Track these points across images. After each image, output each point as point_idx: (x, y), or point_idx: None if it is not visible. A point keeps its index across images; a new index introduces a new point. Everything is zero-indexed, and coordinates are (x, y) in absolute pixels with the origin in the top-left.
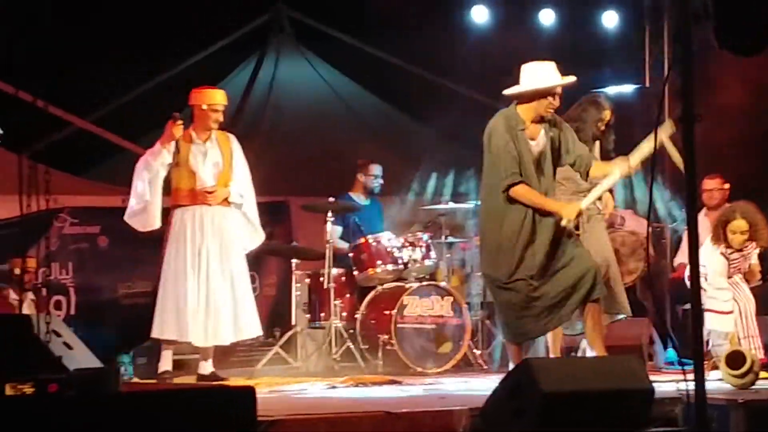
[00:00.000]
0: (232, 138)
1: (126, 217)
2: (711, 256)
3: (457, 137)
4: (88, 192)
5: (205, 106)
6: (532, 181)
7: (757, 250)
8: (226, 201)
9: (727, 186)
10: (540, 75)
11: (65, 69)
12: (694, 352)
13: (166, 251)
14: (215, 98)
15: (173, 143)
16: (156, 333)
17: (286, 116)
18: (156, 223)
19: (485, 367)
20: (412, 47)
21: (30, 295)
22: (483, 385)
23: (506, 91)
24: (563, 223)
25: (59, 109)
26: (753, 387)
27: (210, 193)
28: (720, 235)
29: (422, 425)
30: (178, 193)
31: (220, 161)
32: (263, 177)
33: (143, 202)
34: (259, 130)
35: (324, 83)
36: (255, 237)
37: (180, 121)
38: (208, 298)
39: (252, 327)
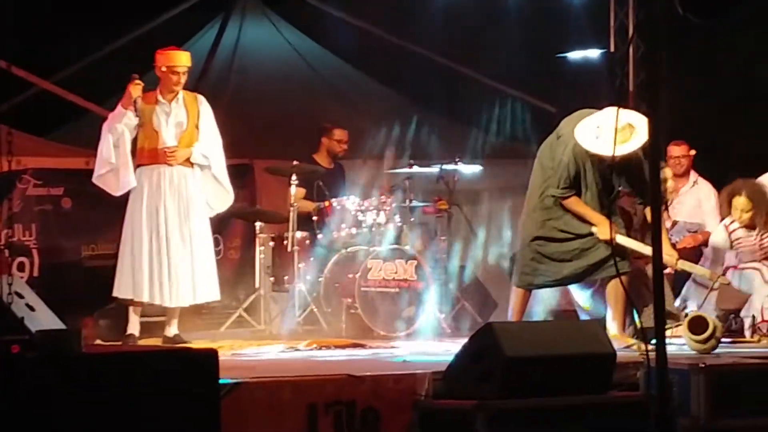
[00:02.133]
0: (201, 99)
1: (97, 181)
2: (714, 228)
3: (423, 101)
4: (51, 154)
5: (164, 68)
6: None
7: None
8: (188, 162)
9: (692, 152)
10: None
11: (28, 30)
12: (655, 317)
13: (129, 212)
14: (178, 60)
15: (139, 103)
16: (114, 292)
17: (251, 79)
18: (130, 184)
19: (448, 331)
20: (378, 10)
21: None
22: (446, 349)
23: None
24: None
25: (22, 70)
26: (714, 352)
27: (171, 152)
28: (725, 208)
29: (385, 388)
30: (140, 153)
31: (184, 121)
32: (227, 140)
33: (109, 166)
34: (223, 93)
35: (289, 46)
36: (224, 198)
37: (138, 82)
38: (168, 259)
39: (211, 291)
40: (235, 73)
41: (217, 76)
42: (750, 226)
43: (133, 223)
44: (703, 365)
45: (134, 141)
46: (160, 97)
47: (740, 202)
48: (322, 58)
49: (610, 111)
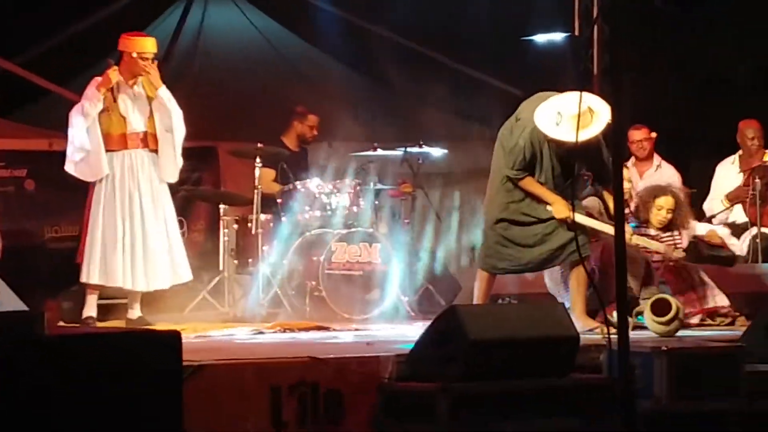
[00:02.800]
0: (161, 88)
1: (70, 169)
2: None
3: (390, 85)
4: (14, 135)
5: (135, 54)
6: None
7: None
8: (154, 145)
9: (654, 135)
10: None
11: None
12: (618, 301)
13: (93, 196)
14: (146, 46)
15: (113, 90)
16: (84, 278)
17: (216, 62)
18: (104, 170)
19: (412, 314)
20: None
21: None
22: (410, 332)
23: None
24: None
25: None
26: (677, 335)
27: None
28: (642, 208)
29: (349, 371)
30: (108, 139)
31: (148, 106)
32: (192, 122)
33: (84, 152)
34: (187, 76)
35: (254, 29)
36: (175, 171)
37: (116, 68)
38: (144, 242)
39: (185, 271)
40: (199, 56)
41: (181, 58)
42: (665, 227)
43: (105, 209)
44: (665, 348)
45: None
46: (122, 81)
47: (666, 200)
48: (286, 41)
49: (571, 95)
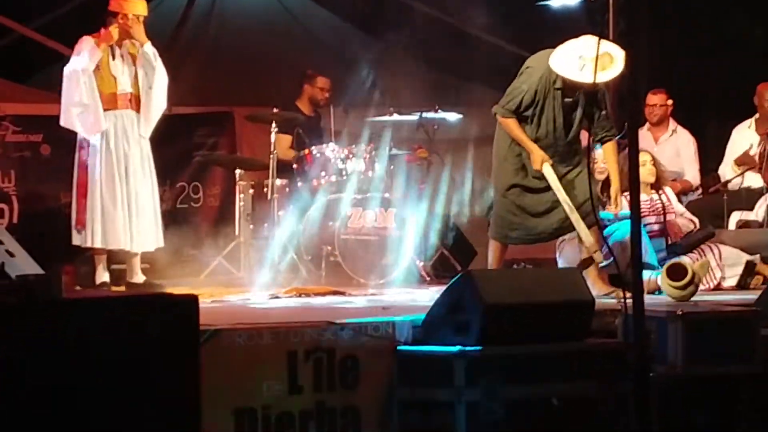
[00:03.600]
0: (147, 43)
1: (68, 123)
2: (693, 175)
3: (404, 49)
4: (30, 100)
5: (131, 15)
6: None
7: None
8: (137, 105)
9: (670, 102)
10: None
11: None
12: (632, 265)
13: (87, 158)
14: (137, 8)
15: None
16: (88, 242)
17: (231, 27)
18: (102, 126)
19: (428, 279)
20: None
21: None
22: (425, 297)
23: (555, 65)
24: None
25: (2, 16)
26: (692, 299)
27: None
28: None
29: (364, 335)
30: (99, 98)
31: (134, 67)
32: (207, 87)
33: (81, 107)
34: (203, 41)
35: None
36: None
37: (116, 25)
38: (137, 203)
39: (161, 235)
40: (214, 21)
41: (196, 23)
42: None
43: (103, 170)
44: (680, 312)
45: None
46: (114, 43)
47: (643, 155)
48: (302, 6)
49: (588, 38)
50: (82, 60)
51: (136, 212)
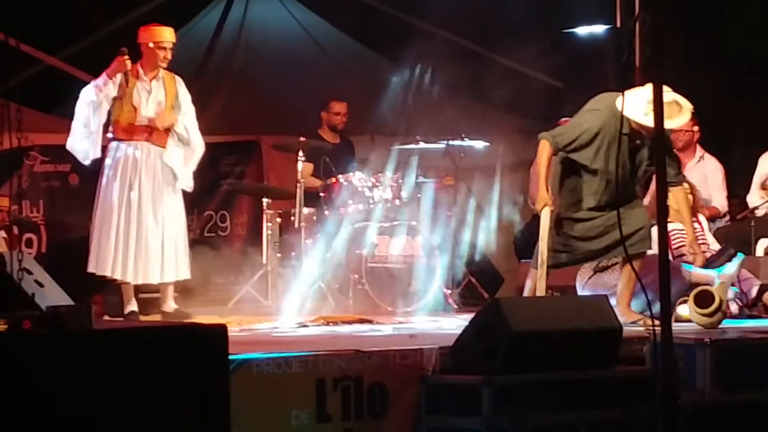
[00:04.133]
0: (179, 80)
1: (69, 146)
2: (721, 203)
3: (433, 78)
4: (58, 130)
5: (152, 44)
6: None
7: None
8: (163, 139)
9: (696, 128)
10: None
11: (36, 7)
12: (661, 293)
13: (102, 185)
14: (163, 35)
15: (119, 76)
16: (92, 268)
17: (258, 56)
18: (98, 153)
19: (455, 306)
20: None
21: (2, 233)
22: (453, 325)
23: (625, 109)
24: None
25: (30, 47)
26: (720, 326)
27: (158, 114)
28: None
29: (392, 364)
30: (116, 127)
31: (163, 101)
32: (234, 116)
33: (87, 132)
34: (230, 70)
35: (296, 23)
36: (189, 180)
37: (127, 57)
38: (138, 235)
39: (180, 269)
40: (241, 50)
41: (224, 52)
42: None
43: (110, 198)
44: (708, 340)
45: (108, 113)
46: (141, 73)
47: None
48: (329, 35)
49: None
50: (93, 87)
51: (136, 245)
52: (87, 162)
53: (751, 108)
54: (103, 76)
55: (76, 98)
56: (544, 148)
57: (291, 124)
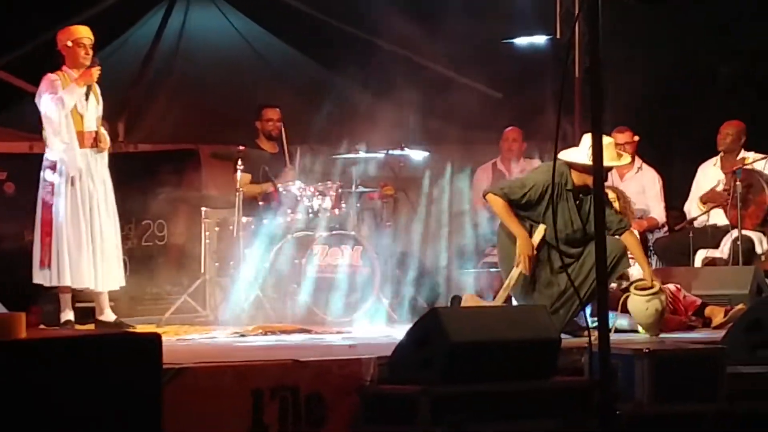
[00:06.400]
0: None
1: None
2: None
3: (372, 87)
4: None
5: (70, 43)
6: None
7: None
8: (104, 144)
9: (636, 138)
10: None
11: None
12: (598, 303)
13: (52, 196)
14: (80, 32)
15: (73, 85)
16: (54, 281)
17: (197, 64)
18: (79, 165)
19: (394, 316)
20: None
21: None
22: (392, 335)
23: (564, 156)
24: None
25: None
26: (659, 338)
27: (100, 140)
28: None
29: (330, 374)
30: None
31: (100, 107)
32: (173, 124)
33: (64, 145)
34: (168, 78)
35: (236, 32)
36: None
37: (98, 66)
38: (102, 242)
39: (117, 277)
40: (180, 59)
41: (162, 61)
42: None
43: (69, 208)
44: (647, 350)
45: None
46: (74, 80)
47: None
48: (268, 44)
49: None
50: (63, 97)
51: (101, 251)
52: (54, 174)
53: (689, 118)
54: (72, 86)
55: (14, 106)
56: (497, 202)
57: (230, 133)
